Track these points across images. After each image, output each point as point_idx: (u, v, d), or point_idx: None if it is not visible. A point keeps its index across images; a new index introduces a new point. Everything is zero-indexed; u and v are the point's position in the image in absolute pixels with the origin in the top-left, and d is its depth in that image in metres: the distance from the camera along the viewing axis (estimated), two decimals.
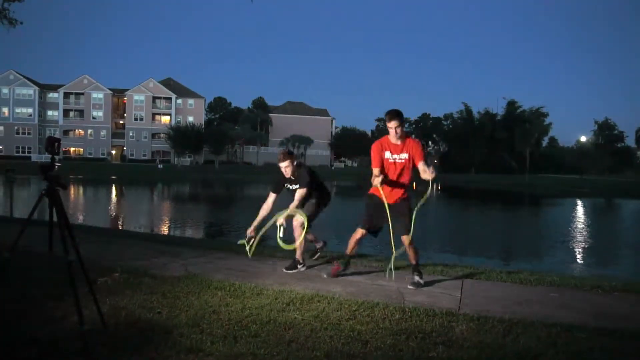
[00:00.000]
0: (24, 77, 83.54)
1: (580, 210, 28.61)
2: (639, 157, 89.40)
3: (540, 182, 57.31)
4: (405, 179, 4.81)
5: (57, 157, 2.85)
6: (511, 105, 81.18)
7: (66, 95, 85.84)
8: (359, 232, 4.98)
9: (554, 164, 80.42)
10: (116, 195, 31.76)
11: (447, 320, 3.66)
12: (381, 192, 4.69)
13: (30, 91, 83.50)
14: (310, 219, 5.40)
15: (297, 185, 5.44)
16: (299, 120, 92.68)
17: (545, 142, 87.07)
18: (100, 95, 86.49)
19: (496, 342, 3.24)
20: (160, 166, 68.87)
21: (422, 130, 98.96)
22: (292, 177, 5.55)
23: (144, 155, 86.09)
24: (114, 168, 66.25)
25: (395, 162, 4.76)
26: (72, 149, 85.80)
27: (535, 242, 14.55)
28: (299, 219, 5.37)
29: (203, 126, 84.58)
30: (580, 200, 35.48)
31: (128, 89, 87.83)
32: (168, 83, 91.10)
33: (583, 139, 76.82)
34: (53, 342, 2.98)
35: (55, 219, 2.82)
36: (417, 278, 4.79)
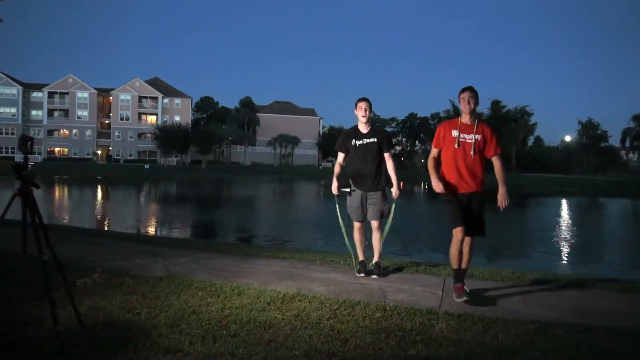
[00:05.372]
0: (7, 76, 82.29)
1: (565, 209, 28.93)
2: (623, 157, 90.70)
3: (526, 181, 57.75)
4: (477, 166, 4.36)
5: (30, 156, 2.81)
6: (495, 104, 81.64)
7: (51, 94, 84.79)
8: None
9: (540, 163, 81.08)
10: (102, 196, 31.44)
11: (427, 318, 3.67)
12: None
13: (14, 90, 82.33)
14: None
15: (372, 140, 4.99)
16: (287, 120, 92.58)
17: (530, 141, 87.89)
18: (86, 95, 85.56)
19: (475, 340, 3.26)
20: (146, 166, 68.28)
21: (409, 130, 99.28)
22: (364, 129, 5.07)
23: (130, 155, 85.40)
24: (99, 168, 65.59)
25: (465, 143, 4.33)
26: (56, 149, 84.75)
27: (520, 240, 14.68)
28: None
29: (190, 126, 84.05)
30: (566, 199, 35.88)
31: (114, 89, 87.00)
32: (154, 82, 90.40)
33: (568, 138, 77.64)
34: (28, 345, 2.94)
35: (29, 219, 2.77)
36: (466, 289, 4.35)
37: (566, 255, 12.25)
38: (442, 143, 4.43)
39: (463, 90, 4.38)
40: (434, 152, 4.51)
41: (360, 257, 5.21)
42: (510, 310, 3.98)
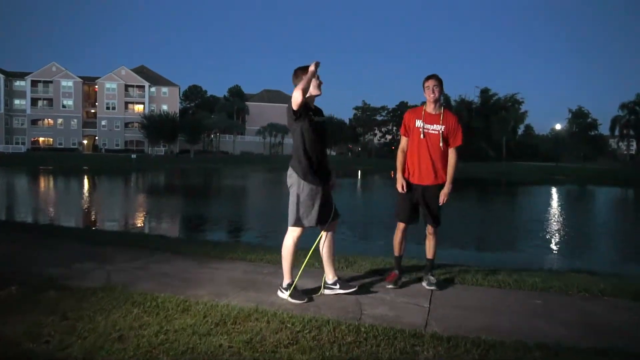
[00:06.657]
0: None
1: (555, 197, 28.46)
2: (612, 145, 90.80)
3: (517, 169, 57.50)
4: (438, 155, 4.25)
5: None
6: (485, 92, 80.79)
7: (34, 83, 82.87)
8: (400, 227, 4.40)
9: (530, 151, 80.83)
10: (84, 188, 30.47)
11: (410, 343, 2.98)
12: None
13: None
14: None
15: (324, 119, 4.00)
16: (277, 109, 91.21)
17: (521, 130, 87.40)
18: (70, 84, 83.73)
19: None
20: (133, 156, 67.03)
21: (399, 118, 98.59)
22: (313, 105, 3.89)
23: (117, 145, 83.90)
24: (85, 158, 64.28)
25: (428, 133, 4.22)
26: (41, 139, 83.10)
27: (514, 232, 14.09)
28: None
29: (178, 115, 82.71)
30: (556, 187, 35.47)
31: (99, 77, 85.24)
32: (141, 71, 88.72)
33: (558, 127, 77.40)
34: None
35: None
36: (432, 278, 4.36)
37: (563, 248, 11.65)
38: (409, 132, 4.31)
39: (428, 78, 4.26)
40: (403, 142, 4.36)
41: (289, 279, 3.90)
42: (511, 328, 3.31)
